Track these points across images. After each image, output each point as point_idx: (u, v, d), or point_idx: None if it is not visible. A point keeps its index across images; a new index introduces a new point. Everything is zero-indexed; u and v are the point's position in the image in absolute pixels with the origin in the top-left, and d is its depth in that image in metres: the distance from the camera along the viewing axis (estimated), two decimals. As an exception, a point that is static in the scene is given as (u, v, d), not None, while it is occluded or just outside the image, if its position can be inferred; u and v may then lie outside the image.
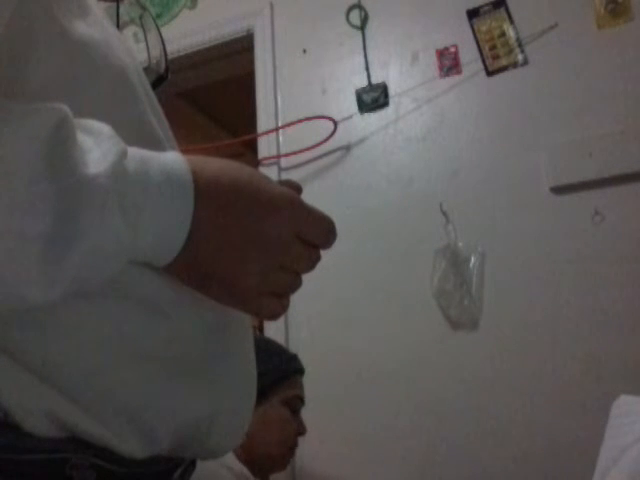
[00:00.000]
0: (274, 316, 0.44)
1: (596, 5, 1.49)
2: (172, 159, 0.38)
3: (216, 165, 0.41)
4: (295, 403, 1.23)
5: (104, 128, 0.35)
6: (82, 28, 0.41)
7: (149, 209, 0.36)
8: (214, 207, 0.39)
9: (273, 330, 1.61)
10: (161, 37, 0.63)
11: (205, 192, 0.38)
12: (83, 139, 0.34)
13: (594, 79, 1.45)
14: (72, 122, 0.33)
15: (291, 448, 1.22)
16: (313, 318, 1.59)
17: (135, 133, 0.42)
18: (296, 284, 0.44)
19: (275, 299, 0.43)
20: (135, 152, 0.37)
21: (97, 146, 0.34)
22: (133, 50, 0.49)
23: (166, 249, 0.38)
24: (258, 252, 0.40)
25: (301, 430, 1.24)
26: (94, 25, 0.43)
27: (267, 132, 1.78)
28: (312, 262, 0.45)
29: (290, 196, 0.42)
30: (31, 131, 0.31)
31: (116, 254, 0.35)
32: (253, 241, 0.40)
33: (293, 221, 0.42)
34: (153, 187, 0.36)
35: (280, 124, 1.78)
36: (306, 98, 1.77)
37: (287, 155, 1.74)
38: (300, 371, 1.28)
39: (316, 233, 0.43)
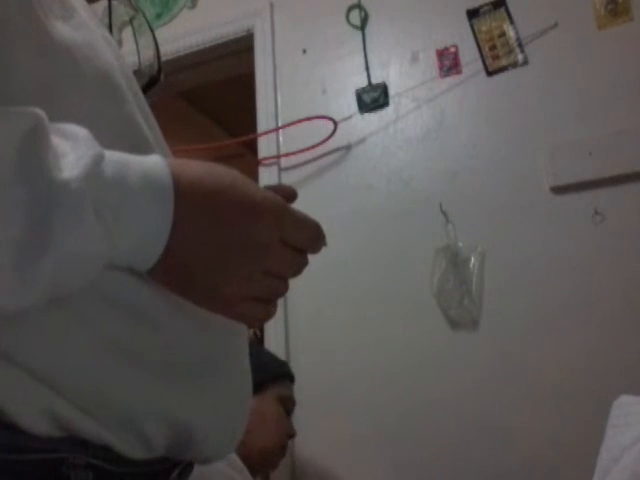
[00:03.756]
0: (258, 322, 0.43)
1: (596, 5, 1.49)
2: (153, 162, 0.38)
3: (199, 168, 0.40)
4: (288, 404, 1.28)
5: (80, 132, 0.35)
6: (64, 30, 0.40)
7: (127, 213, 0.35)
8: (195, 211, 0.38)
9: (273, 330, 1.60)
10: (154, 39, 0.62)
11: (186, 195, 0.38)
12: (58, 143, 0.33)
13: (594, 79, 1.45)
14: (46, 126, 0.33)
15: (283, 447, 1.25)
16: (313, 318, 1.59)
17: (121, 135, 0.41)
18: (281, 289, 0.43)
19: (260, 304, 0.42)
20: (114, 156, 0.36)
21: (72, 150, 0.33)
22: (122, 52, 0.49)
23: (146, 253, 0.37)
24: (240, 257, 0.40)
25: (291, 432, 1.28)
26: (78, 27, 0.42)
27: (267, 132, 1.78)
28: (298, 267, 0.44)
29: (274, 200, 0.42)
30: (3, 135, 0.31)
31: (92, 258, 0.34)
32: (235, 245, 0.39)
33: (277, 225, 0.41)
34: (131, 190, 0.35)
35: (280, 124, 1.78)
36: (306, 98, 1.77)
37: (287, 155, 1.74)
38: (291, 378, 1.32)
39: (301, 237, 0.43)
